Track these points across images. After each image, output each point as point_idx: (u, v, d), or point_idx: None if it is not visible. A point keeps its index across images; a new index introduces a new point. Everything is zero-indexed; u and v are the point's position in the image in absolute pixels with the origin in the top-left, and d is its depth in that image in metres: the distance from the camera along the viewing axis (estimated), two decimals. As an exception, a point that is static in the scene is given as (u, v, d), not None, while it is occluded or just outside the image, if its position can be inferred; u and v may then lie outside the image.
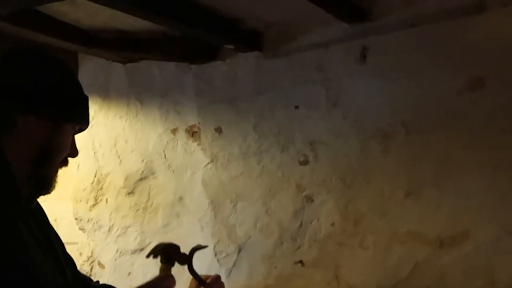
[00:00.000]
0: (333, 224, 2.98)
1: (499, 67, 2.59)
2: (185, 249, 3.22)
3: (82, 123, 1.47)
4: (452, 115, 2.70)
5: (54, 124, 1.36)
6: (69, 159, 1.44)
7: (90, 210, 3.68)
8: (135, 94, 3.51)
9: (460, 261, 2.72)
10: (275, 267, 3.11)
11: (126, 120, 3.55)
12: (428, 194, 2.78)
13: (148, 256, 2.13)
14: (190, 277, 2.23)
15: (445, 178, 2.74)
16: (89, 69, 3.63)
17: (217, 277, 2.84)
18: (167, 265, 2.04)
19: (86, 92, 1.44)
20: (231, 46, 3.11)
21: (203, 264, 3.07)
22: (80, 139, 1.43)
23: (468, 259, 2.71)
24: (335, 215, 2.98)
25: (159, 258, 2.11)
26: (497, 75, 2.59)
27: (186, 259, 2.20)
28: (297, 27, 3.01)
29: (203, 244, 2.76)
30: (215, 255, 3.25)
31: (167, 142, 3.40)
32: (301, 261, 3.06)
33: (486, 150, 2.65)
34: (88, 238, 3.73)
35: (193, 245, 3.33)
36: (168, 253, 2.08)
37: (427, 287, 2.79)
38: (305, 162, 3.04)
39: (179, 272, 1.81)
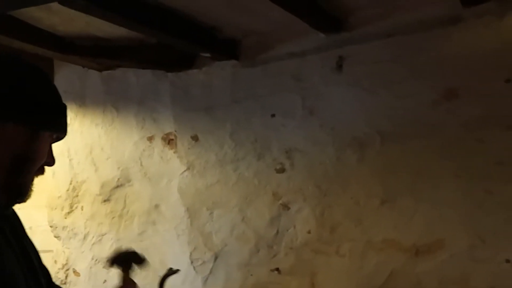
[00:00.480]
0: (309, 232, 2.99)
1: (473, 78, 2.62)
2: (161, 257, 3.21)
3: (60, 131, 1.45)
4: (427, 125, 2.72)
5: (32, 132, 1.33)
6: (46, 167, 1.42)
7: (65, 218, 3.64)
8: (111, 102, 3.49)
9: (436, 269, 2.75)
10: (252, 275, 3.11)
11: (102, 128, 3.52)
12: (403, 203, 2.80)
13: (108, 267, 2.20)
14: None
15: (420, 187, 2.76)
16: (64, 76, 3.59)
17: None
18: (125, 272, 2.16)
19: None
20: (208, 55, 3.10)
21: (179, 272, 3.04)
22: (55, 146, 1.41)
23: (443, 267, 2.73)
24: (311, 222, 2.98)
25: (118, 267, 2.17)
26: (471, 86, 2.62)
27: (144, 261, 2.22)
28: (274, 36, 3.02)
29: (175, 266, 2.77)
30: (191, 262, 3.23)
31: (143, 150, 3.38)
32: (277, 269, 3.05)
33: (461, 159, 2.67)
34: (63, 246, 3.68)
35: (170, 253, 3.33)
36: (125, 261, 2.20)
37: (403, 295, 2.81)
38: (281, 170, 3.04)
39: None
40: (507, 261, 2.61)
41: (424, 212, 2.75)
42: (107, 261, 2.17)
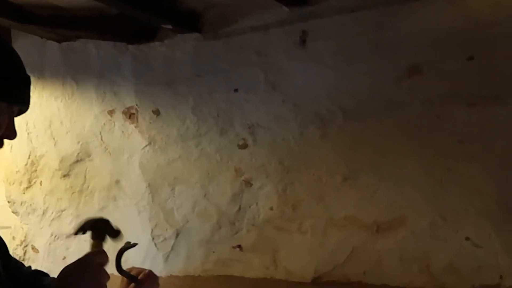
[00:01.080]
0: (271, 209, 2.97)
1: (436, 55, 2.60)
2: (123, 234, 3.16)
3: (23, 104, 1.39)
4: (390, 102, 2.71)
5: None
6: (4, 140, 1.37)
7: (24, 193, 3.58)
8: (71, 74, 3.41)
9: (397, 246, 2.76)
10: (213, 252, 3.09)
11: (61, 101, 3.45)
12: (365, 180, 2.79)
13: (76, 232, 2.06)
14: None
15: (382, 164, 2.75)
16: (23, 46, 3.49)
17: (149, 273, 2.78)
18: (98, 241, 2.02)
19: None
20: (169, 27, 3.04)
21: (140, 248, 3.01)
22: (13, 119, 1.35)
23: (404, 244, 2.74)
24: (273, 199, 2.97)
25: (89, 235, 2.05)
26: (433, 63, 2.61)
27: (118, 233, 2.14)
28: (237, 9, 2.97)
29: (132, 241, 2.70)
30: (153, 239, 3.20)
31: (104, 124, 3.32)
32: (239, 246, 3.04)
33: (423, 137, 2.67)
34: (21, 222, 3.63)
35: (131, 229, 3.29)
36: (98, 228, 2.03)
37: (364, 272, 2.82)
38: (244, 146, 3.02)
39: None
40: (467, 238, 2.63)
41: (386, 189, 2.75)
42: (78, 228, 2.09)
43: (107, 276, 1.94)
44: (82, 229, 1.99)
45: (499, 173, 2.56)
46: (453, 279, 2.65)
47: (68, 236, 3.44)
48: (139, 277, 2.70)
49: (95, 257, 1.87)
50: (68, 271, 1.72)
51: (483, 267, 2.61)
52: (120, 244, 2.87)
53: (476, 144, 2.59)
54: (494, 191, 2.57)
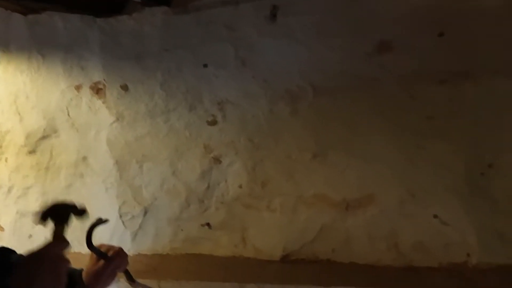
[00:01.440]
0: (240, 186, 2.96)
1: (407, 31, 2.60)
2: (89, 211, 3.12)
3: None
4: (360, 79, 2.70)
5: None
6: None
7: (-12, 170, 3.52)
8: (37, 48, 3.33)
9: (366, 224, 2.77)
10: (182, 230, 3.07)
11: (27, 75, 3.37)
12: (335, 157, 2.79)
13: (37, 223, 2.00)
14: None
15: (352, 141, 2.75)
16: (-14, 19, 3.42)
17: (119, 251, 2.74)
18: (59, 226, 1.89)
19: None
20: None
21: (108, 226, 2.98)
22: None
23: (373, 222, 2.76)
24: (243, 176, 2.95)
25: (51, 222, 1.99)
26: (404, 40, 2.61)
27: (84, 212, 2.03)
28: (207, -18, 2.93)
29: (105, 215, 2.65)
30: (120, 217, 3.17)
31: (71, 99, 3.26)
32: (208, 224, 3.02)
33: (392, 114, 2.67)
34: (-15, 199, 3.57)
35: (98, 206, 3.26)
36: (59, 213, 1.94)
37: (333, 250, 2.82)
38: (213, 122, 2.99)
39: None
40: (435, 216, 2.65)
41: (356, 166, 2.76)
42: (39, 215, 1.96)
43: (66, 263, 1.90)
44: (41, 218, 1.92)
45: (468, 151, 2.58)
46: (421, 256, 2.68)
47: (34, 214, 3.38)
48: (108, 254, 2.67)
49: (54, 247, 1.83)
50: (24, 266, 1.69)
51: (450, 244, 2.63)
52: (89, 221, 2.83)
53: (445, 121, 2.60)
54: (463, 169, 2.59)
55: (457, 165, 2.60)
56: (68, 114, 3.27)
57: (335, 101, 2.75)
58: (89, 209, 3.22)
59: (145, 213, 3.13)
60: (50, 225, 1.87)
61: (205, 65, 2.98)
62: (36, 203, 3.36)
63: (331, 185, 2.81)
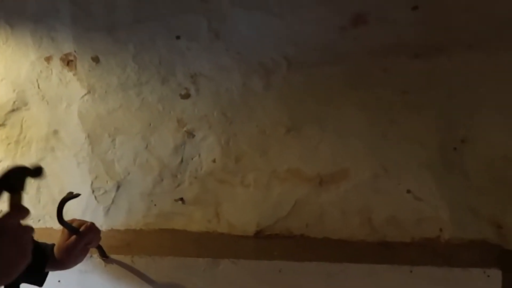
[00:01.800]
0: (214, 161, 2.96)
1: (381, 3, 2.59)
2: (61, 186, 3.11)
3: None
4: (334, 52, 2.69)
5: None
6: None
7: (-43, 144, 3.48)
8: (5, 18, 3.27)
9: (339, 199, 2.79)
10: (155, 205, 3.06)
11: (-5, 46, 3.33)
12: (308, 132, 2.80)
13: None
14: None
15: (326, 116, 2.76)
16: (-49, -12, 3.36)
17: (91, 226, 2.75)
18: (15, 195, 1.88)
19: None
20: (109, -32, 2.95)
21: (80, 201, 2.99)
22: None
23: (346, 197, 2.78)
24: (216, 151, 2.95)
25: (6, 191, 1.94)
26: (378, 12, 2.60)
27: (40, 170, 1.97)
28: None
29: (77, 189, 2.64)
30: (93, 192, 3.16)
31: (41, 71, 3.22)
32: (181, 199, 3.03)
33: (367, 88, 2.68)
34: (-45, 174, 3.53)
35: (69, 181, 3.25)
36: (10, 182, 1.88)
37: (306, 225, 2.84)
38: (186, 96, 2.98)
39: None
40: (408, 191, 2.67)
41: (329, 141, 2.77)
42: None
43: (29, 232, 1.89)
44: None
45: (442, 126, 2.60)
46: (394, 231, 2.70)
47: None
48: (80, 229, 2.67)
49: (11, 217, 1.81)
50: None
51: (423, 219, 2.67)
52: (61, 195, 2.81)
53: (419, 96, 2.61)
54: (436, 143, 2.62)
55: (431, 140, 2.62)
56: (38, 87, 3.23)
57: (309, 75, 2.75)
58: (60, 184, 3.24)
59: (118, 187, 3.13)
60: (5, 195, 1.87)
61: (178, 37, 2.95)
62: (6, 177, 3.33)
63: (305, 160, 2.82)
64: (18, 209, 1.83)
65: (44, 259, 2.62)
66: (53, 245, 2.69)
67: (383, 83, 2.64)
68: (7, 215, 1.80)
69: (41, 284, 2.66)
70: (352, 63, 2.68)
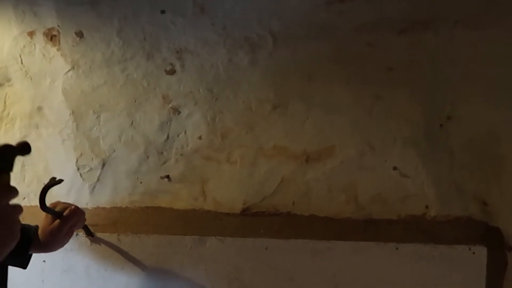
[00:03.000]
0: (200, 138, 3.03)
1: (368, -23, 2.67)
2: (45, 164, 3.20)
3: None
4: (319, 27, 2.76)
5: None
6: None
7: None
8: (-13, -8, 3.36)
9: (325, 177, 2.86)
10: (141, 182, 3.13)
11: (-23, 21, 3.40)
12: (295, 108, 2.87)
13: None
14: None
15: (312, 92, 2.82)
16: None
17: (75, 209, 2.82)
18: (2, 175, 1.92)
19: None
20: None
21: (65, 179, 3.06)
22: None
23: (332, 174, 2.85)
24: (202, 128, 3.02)
25: None
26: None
27: (26, 147, 2.00)
28: None
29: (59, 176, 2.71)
30: (78, 169, 3.23)
31: (24, 46, 3.29)
32: (167, 176, 3.09)
33: (352, 64, 2.74)
34: None
35: (55, 159, 3.33)
36: None
37: (293, 203, 2.91)
38: (171, 72, 3.05)
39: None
40: (394, 168, 2.75)
41: (315, 118, 2.84)
42: None
43: (18, 212, 1.97)
44: None
45: (427, 102, 2.67)
46: (380, 208, 2.78)
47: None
48: (64, 213, 2.75)
49: (1, 198, 1.89)
50: None
51: (409, 197, 2.74)
52: (46, 172, 2.90)
53: (405, 72, 2.68)
54: (422, 120, 2.69)
55: (416, 116, 2.69)
56: (22, 62, 3.30)
57: (295, 50, 2.81)
58: (45, 162, 3.32)
59: (103, 165, 3.20)
60: None
61: (163, 11, 3.01)
62: (-10, 155, 3.41)
63: (291, 137, 2.89)
64: (7, 190, 1.90)
65: (28, 241, 2.70)
66: (37, 227, 2.76)
67: (369, 59, 2.71)
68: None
69: (25, 266, 2.75)
70: (337, 39, 2.74)
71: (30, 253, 2.73)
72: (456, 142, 2.67)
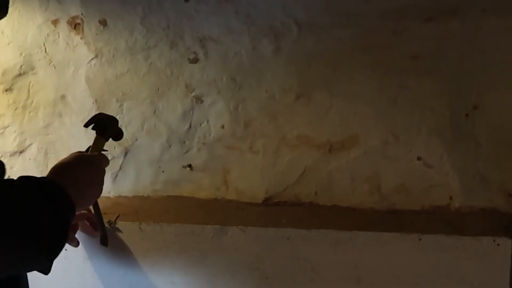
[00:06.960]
0: (223, 127, 3.07)
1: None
2: (68, 152, 3.27)
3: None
4: (345, 15, 2.77)
5: None
6: None
7: (-36, 108, 3.64)
8: (12, -20, 3.42)
9: (348, 166, 2.89)
10: (163, 171, 3.18)
11: (2, 9, 3.47)
12: (318, 97, 2.89)
13: (86, 125, 2.46)
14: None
15: (335, 81, 2.85)
16: None
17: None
18: (101, 138, 2.48)
19: None
20: None
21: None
22: None
23: (356, 164, 2.88)
24: (225, 117, 3.06)
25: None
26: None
27: (121, 135, 2.61)
28: None
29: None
30: (100, 157, 3.29)
31: (48, 35, 3.35)
32: (189, 165, 3.14)
33: (376, 52, 2.76)
34: (-38, 138, 3.69)
35: (77, 147, 3.39)
36: (104, 126, 2.48)
37: (315, 193, 2.95)
38: (195, 60, 3.09)
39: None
40: (419, 158, 2.77)
41: (339, 107, 2.86)
42: (88, 121, 2.48)
43: (103, 179, 2.28)
44: (91, 123, 2.44)
45: (452, 91, 2.69)
46: (404, 199, 2.81)
47: (12, 155, 3.52)
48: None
49: (100, 159, 2.34)
50: (70, 164, 2.11)
51: (433, 187, 2.77)
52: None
53: (430, 61, 2.70)
54: (447, 110, 2.70)
55: (442, 106, 2.71)
56: (45, 51, 3.36)
57: (319, 38, 2.83)
58: (68, 150, 3.39)
59: (126, 154, 3.25)
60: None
61: (187, 0, 3.07)
62: (13, 143, 3.47)
63: (314, 126, 2.92)
64: (104, 156, 2.40)
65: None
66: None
67: (394, 48, 2.73)
68: (98, 156, 2.36)
69: (47, 272, 2.81)
70: (362, 27, 2.76)
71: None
72: (481, 132, 2.68)
